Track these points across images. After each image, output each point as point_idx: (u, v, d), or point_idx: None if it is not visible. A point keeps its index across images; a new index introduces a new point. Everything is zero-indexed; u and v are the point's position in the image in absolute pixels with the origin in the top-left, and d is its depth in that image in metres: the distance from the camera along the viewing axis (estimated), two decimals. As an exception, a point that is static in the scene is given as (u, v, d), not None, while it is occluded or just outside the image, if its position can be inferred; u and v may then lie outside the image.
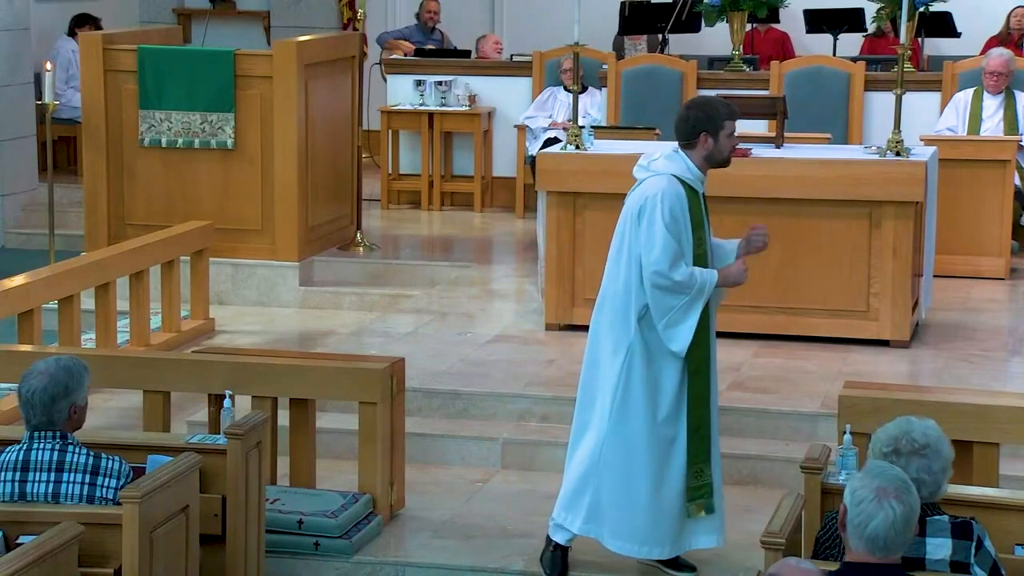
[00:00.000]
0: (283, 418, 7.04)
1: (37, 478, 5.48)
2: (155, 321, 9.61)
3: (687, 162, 6.24)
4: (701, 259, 6.21)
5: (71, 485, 5.47)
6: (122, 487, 5.47)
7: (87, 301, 8.95)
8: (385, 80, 13.70)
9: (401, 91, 13.34)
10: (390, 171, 13.27)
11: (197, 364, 7.06)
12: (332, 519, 6.60)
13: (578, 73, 9.68)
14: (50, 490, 5.47)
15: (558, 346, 8.85)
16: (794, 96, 11.07)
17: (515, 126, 12.98)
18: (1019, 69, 11.42)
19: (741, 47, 12.44)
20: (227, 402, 6.42)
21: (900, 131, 8.96)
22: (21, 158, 12.60)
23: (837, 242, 8.83)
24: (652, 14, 13.72)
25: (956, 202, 10.34)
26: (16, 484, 5.48)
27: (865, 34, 14.47)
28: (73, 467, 5.48)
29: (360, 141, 11.44)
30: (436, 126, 13.07)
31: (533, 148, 12.25)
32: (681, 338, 6.15)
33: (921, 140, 10.20)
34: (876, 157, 8.92)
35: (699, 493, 6.26)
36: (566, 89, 12.13)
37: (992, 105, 11.32)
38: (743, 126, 10.53)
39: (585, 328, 6.53)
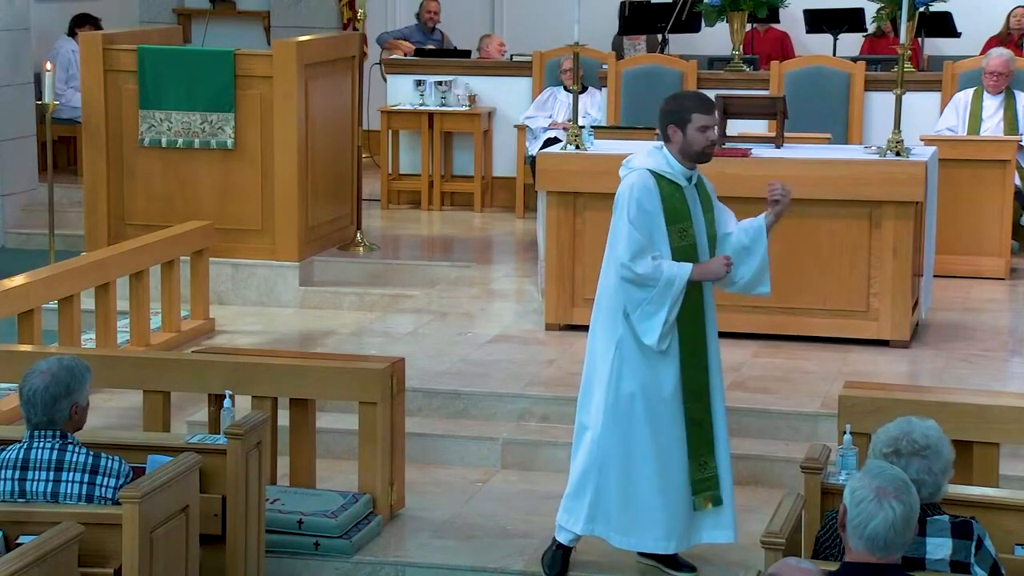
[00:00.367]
0: (283, 418, 7.04)
1: (36, 477, 5.48)
2: (155, 321, 9.60)
3: (668, 157, 6.27)
4: (685, 252, 6.21)
5: (70, 484, 5.48)
6: (121, 486, 5.47)
7: (87, 301, 8.95)
8: (385, 80, 13.70)
9: (401, 91, 13.34)
10: (390, 171, 13.27)
11: (197, 364, 7.06)
12: (332, 519, 6.60)
13: (578, 73, 9.68)
14: (49, 489, 5.48)
15: (558, 346, 8.85)
16: (794, 96, 11.08)
17: (515, 126, 12.98)
18: (1019, 69, 11.41)
19: (741, 47, 12.44)
20: (227, 402, 6.42)
21: (900, 131, 8.96)
22: (21, 158, 12.60)
23: (837, 242, 8.84)
24: (652, 14, 13.73)
25: (956, 202, 10.34)
26: (16, 483, 5.49)
27: (865, 34, 14.48)
28: (72, 466, 5.49)
29: (360, 141, 11.44)
30: (436, 126, 13.07)
31: (533, 148, 12.25)
32: (651, 331, 6.17)
33: (921, 140, 10.20)
34: (876, 157, 8.92)
35: (705, 485, 6.29)
36: (566, 89, 12.13)
37: (992, 105, 11.32)
38: (743, 126, 10.65)
39: (585, 328, 6.55)
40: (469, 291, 10.32)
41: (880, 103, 11.80)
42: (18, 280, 8.39)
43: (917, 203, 8.84)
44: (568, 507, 6.41)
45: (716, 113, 6.29)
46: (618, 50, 14.03)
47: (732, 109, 9.32)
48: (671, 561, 6.44)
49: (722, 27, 12.63)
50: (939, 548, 4.76)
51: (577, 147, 9.21)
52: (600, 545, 6.53)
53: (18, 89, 12.48)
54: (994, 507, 5.32)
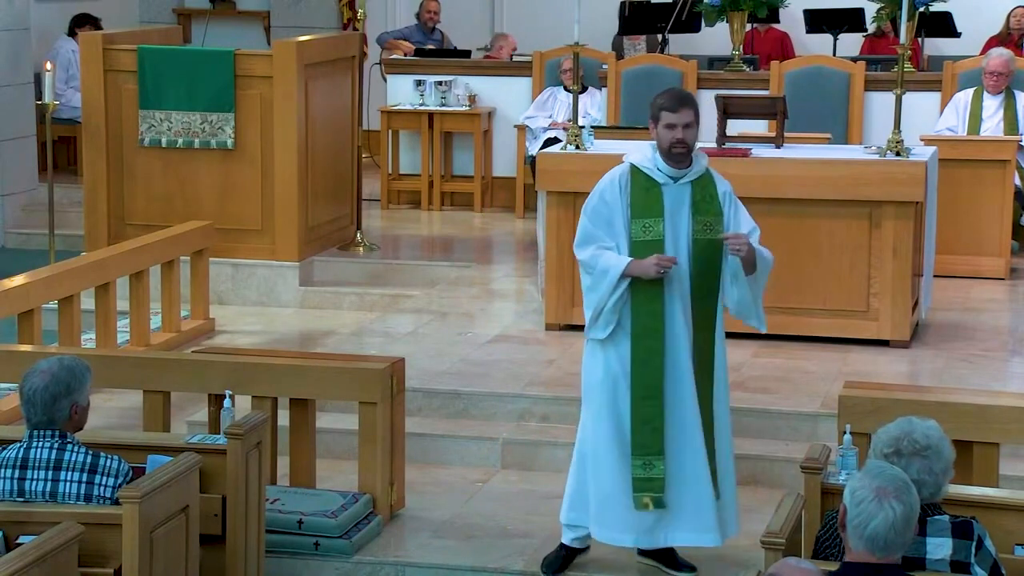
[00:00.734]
0: (283, 418, 7.03)
1: (35, 476, 5.48)
2: (155, 321, 9.60)
3: (653, 153, 6.32)
4: (647, 247, 6.20)
5: (69, 484, 5.48)
6: (120, 486, 5.47)
7: (87, 301, 8.95)
8: (385, 80, 13.70)
9: (401, 91, 13.34)
10: (390, 171, 13.27)
11: (197, 364, 7.06)
12: (332, 519, 6.60)
13: (578, 73, 9.68)
14: (48, 488, 5.48)
15: (558, 346, 8.85)
16: (794, 96, 11.08)
17: (515, 126, 12.98)
18: (1019, 69, 11.41)
19: (741, 47, 12.45)
20: (227, 402, 6.42)
21: (900, 131, 8.96)
22: (21, 158, 12.59)
23: (837, 242, 8.84)
24: (652, 14, 13.73)
25: (956, 202, 10.34)
26: (15, 482, 5.49)
27: (865, 34, 14.48)
28: (71, 466, 5.49)
29: (360, 141, 11.44)
30: (436, 126, 13.07)
31: (533, 148, 12.25)
32: (587, 318, 6.29)
33: (921, 140, 10.20)
34: (876, 157, 8.92)
35: (645, 486, 6.23)
36: (566, 89, 12.13)
37: (992, 105, 11.32)
38: (743, 126, 10.65)
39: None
40: (469, 291, 10.32)
41: (880, 103, 11.80)
42: (18, 280, 8.39)
43: (917, 203, 8.84)
44: (564, 505, 6.49)
45: (688, 112, 6.21)
46: (618, 50, 14.03)
47: (732, 109, 9.32)
48: (671, 561, 6.44)
49: (722, 27, 12.63)
50: (939, 548, 4.76)
51: (577, 147, 9.21)
52: (600, 545, 6.53)
53: (18, 89, 12.48)
54: (994, 507, 5.32)
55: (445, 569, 6.56)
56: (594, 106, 12.38)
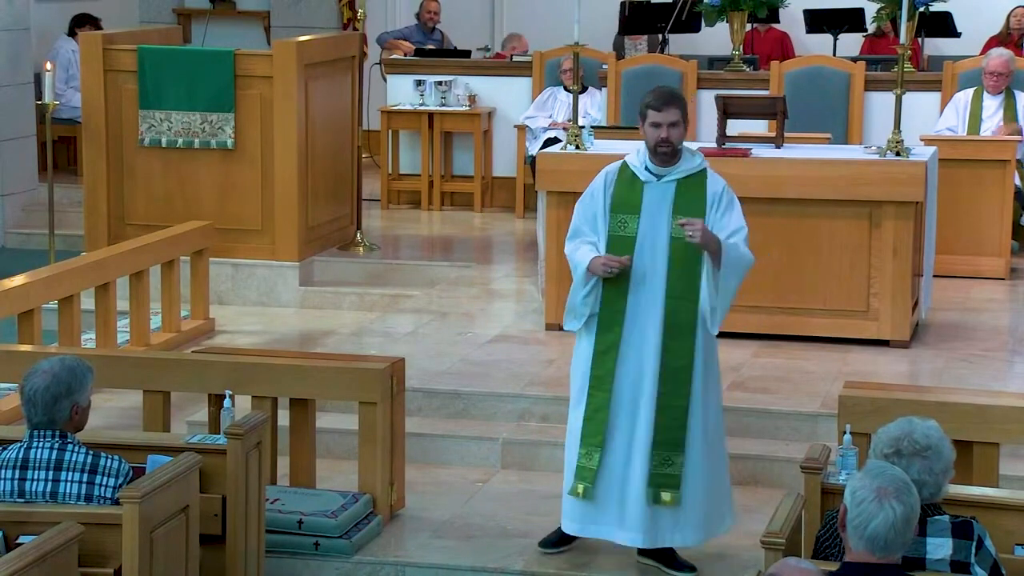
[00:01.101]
0: (283, 418, 7.04)
1: (36, 476, 5.48)
2: (155, 321, 9.60)
3: (642, 150, 6.42)
4: (621, 243, 6.30)
5: (69, 484, 5.48)
6: (121, 486, 5.47)
7: (87, 301, 8.95)
8: (385, 80, 13.70)
9: (401, 91, 13.34)
10: (390, 171, 13.27)
11: (197, 364, 7.06)
12: (332, 519, 6.60)
13: (578, 73, 9.68)
14: (48, 488, 5.48)
15: (558, 346, 8.85)
16: (794, 96, 11.08)
17: (515, 126, 12.98)
18: (1019, 69, 11.41)
19: (741, 47, 12.44)
20: (227, 402, 6.41)
21: (900, 131, 8.96)
22: (21, 158, 12.59)
23: (837, 242, 8.83)
24: (652, 14, 13.72)
25: (956, 202, 10.34)
26: (15, 482, 5.49)
27: (865, 34, 14.48)
28: (72, 466, 5.49)
29: (360, 141, 11.44)
30: (436, 126, 13.07)
31: (533, 148, 12.25)
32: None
33: (921, 140, 10.20)
34: (876, 157, 8.92)
35: (583, 475, 6.36)
36: (566, 89, 12.13)
37: (992, 105, 11.31)
38: (743, 126, 10.64)
39: (585, 328, 6.57)
40: (469, 291, 10.32)
41: (880, 103, 11.80)
42: (18, 280, 8.39)
43: (917, 203, 8.84)
44: None
45: (673, 111, 6.26)
46: (619, 50, 14.03)
47: (732, 109, 9.33)
48: (670, 561, 6.44)
49: (722, 27, 12.63)
50: (939, 548, 4.76)
51: (577, 147, 9.21)
52: (600, 545, 6.54)
53: (18, 89, 12.48)
54: (994, 507, 5.32)
55: (445, 569, 6.56)
56: (594, 106, 12.38)
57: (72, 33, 13.62)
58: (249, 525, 6.10)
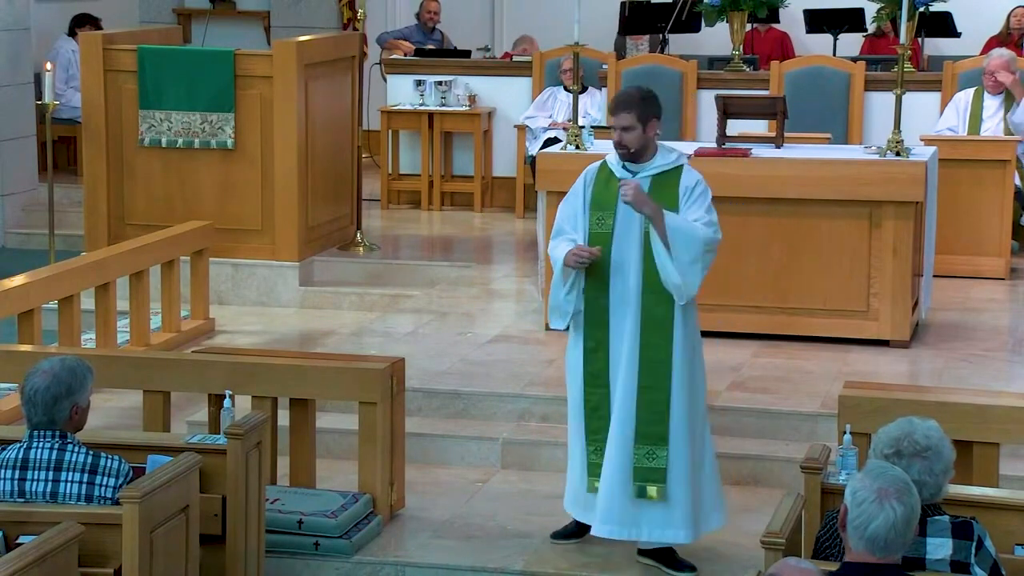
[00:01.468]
0: (283, 418, 7.04)
1: (36, 476, 5.48)
2: (155, 321, 9.60)
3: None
4: (599, 239, 6.39)
5: (69, 484, 5.48)
6: (121, 486, 5.47)
7: (87, 301, 8.95)
8: (385, 80, 13.70)
9: (401, 91, 13.34)
10: (390, 171, 13.27)
11: (197, 364, 7.06)
12: (332, 519, 6.60)
13: (578, 73, 9.68)
14: (48, 488, 5.48)
15: (558, 346, 8.83)
16: (794, 96, 11.08)
17: (515, 126, 12.98)
18: (1019, 69, 11.40)
19: (741, 47, 12.45)
20: (227, 402, 6.41)
21: (900, 131, 8.96)
22: (21, 158, 12.60)
23: (837, 242, 8.83)
24: (652, 14, 13.72)
25: (956, 202, 10.33)
26: (15, 482, 5.49)
27: (865, 34, 14.48)
28: (72, 466, 5.49)
29: (360, 141, 11.44)
30: (436, 126, 13.07)
31: (533, 148, 12.25)
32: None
33: (921, 140, 10.19)
34: (876, 157, 8.92)
35: (593, 470, 6.46)
36: (566, 89, 12.13)
37: (992, 105, 11.31)
38: (743, 126, 10.64)
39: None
40: (469, 291, 10.32)
41: (880, 103, 11.80)
42: (18, 280, 8.38)
43: (917, 203, 8.84)
44: None
45: (625, 115, 6.34)
46: (620, 50, 14.03)
47: (732, 109, 9.32)
48: (670, 560, 6.45)
49: (722, 27, 12.64)
50: (939, 548, 4.76)
51: (577, 147, 9.20)
52: (600, 545, 6.54)
53: (18, 89, 12.48)
54: (994, 507, 5.32)
55: (445, 569, 6.56)
56: (594, 106, 12.38)
57: (72, 33, 13.62)
58: (249, 525, 6.10)
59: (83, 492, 5.48)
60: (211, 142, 10.49)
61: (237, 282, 10.56)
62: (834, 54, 13.33)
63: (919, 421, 4.89)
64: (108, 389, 8.14)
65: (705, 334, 8.60)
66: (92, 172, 10.70)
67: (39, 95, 11.06)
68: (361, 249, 11.12)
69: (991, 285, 10.33)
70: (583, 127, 9.51)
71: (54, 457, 5.49)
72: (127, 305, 9.30)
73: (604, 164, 6.51)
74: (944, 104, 11.68)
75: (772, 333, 8.95)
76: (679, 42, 13.89)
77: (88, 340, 9.08)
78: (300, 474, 7.01)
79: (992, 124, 11.25)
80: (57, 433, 5.52)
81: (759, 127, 11.08)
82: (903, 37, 9.20)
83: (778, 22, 14.43)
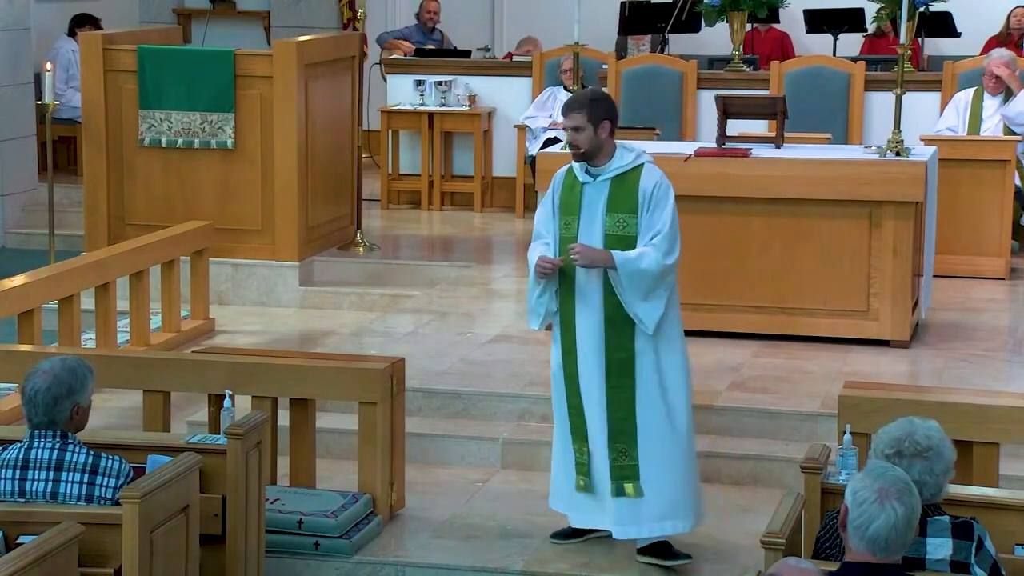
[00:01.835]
0: (283, 418, 7.03)
1: (36, 476, 5.48)
2: (155, 321, 9.60)
3: None
4: (568, 243, 6.41)
5: (70, 484, 5.48)
6: (121, 486, 5.47)
7: (87, 301, 8.95)
8: (385, 80, 13.70)
9: (401, 91, 13.34)
10: (390, 171, 13.27)
11: (197, 364, 7.06)
12: (332, 519, 6.60)
13: (578, 73, 9.69)
14: (49, 489, 5.48)
15: (558, 346, 8.84)
16: (794, 96, 11.08)
17: (515, 126, 12.98)
18: (1020, 69, 11.41)
19: (741, 47, 12.45)
20: (227, 402, 6.41)
21: (900, 131, 8.96)
22: (21, 158, 12.60)
23: (837, 242, 8.83)
24: (652, 14, 13.73)
25: (956, 202, 10.34)
26: (16, 482, 5.49)
27: (865, 34, 14.48)
28: (72, 466, 5.49)
29: (360, 141, 11.44)
30: (436, 126, 13.07)
31: (533, 148, 12.25)
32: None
33: (921, 140, 10.20)
34: (876, 157, 8.92)
35: (580, 470, 6.52)
36: (566, 89, 12.13)
37: (992, 105, 11.31)
38: (743, 126, 10.64)
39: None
40: (469, 291, 10.32)
41: (880, 103, 11.80)
42: (18, 280, 8.39)
43: (917, 203, 8.84)
44: None
45: (575, 116, 6.36)
46: (621, 50, 14.03)
47: (732, 109, 9.32)
48: (666, 554, 6.45)
49: (722, 27, 12.64)
50: (939, 548, 4.76)
51: (577, 147, 9.19)
52: (600, 545, 6.54)
53: (18, 89, 12.48)
54: (994, 507, 5.32)
55: (445, 569, 6.56)
56: (594, 106, 12.35)
57: (72, 33, 13.62)
58: (249, 525, 6.10)
59: (83, 492, 5.48)
60: (211, 142, 10.49)
61: (237, 282, 10.56)
62: (834, 54, 13.33)
63: (920, 421, 4.89)
64: (108, 389, 8.13)
65: (705, 334, 8.63)
66: (92, 172, 10.70)
67: (39, 95, 11.06)
68: (361, 249, 11.12)
69: (991, 285, 10.33)
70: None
71: (55, 457, 5.49)
72: (127, 305, 9.30)
73: (570, 169, 6.54)
74: (944, 104, 11.68)
75: (772, 333, 8.95)
76: (679, 42, 13.90)
77: (88, 340, 9.08)
78: (300, 474, 7.01)
79: (992, 124, 11.25)
80: (58, 433, 5.52)
81: (759, 127, 11.08)
82: (903, 37, 9.20)
83: (778, 22, 14.44)
